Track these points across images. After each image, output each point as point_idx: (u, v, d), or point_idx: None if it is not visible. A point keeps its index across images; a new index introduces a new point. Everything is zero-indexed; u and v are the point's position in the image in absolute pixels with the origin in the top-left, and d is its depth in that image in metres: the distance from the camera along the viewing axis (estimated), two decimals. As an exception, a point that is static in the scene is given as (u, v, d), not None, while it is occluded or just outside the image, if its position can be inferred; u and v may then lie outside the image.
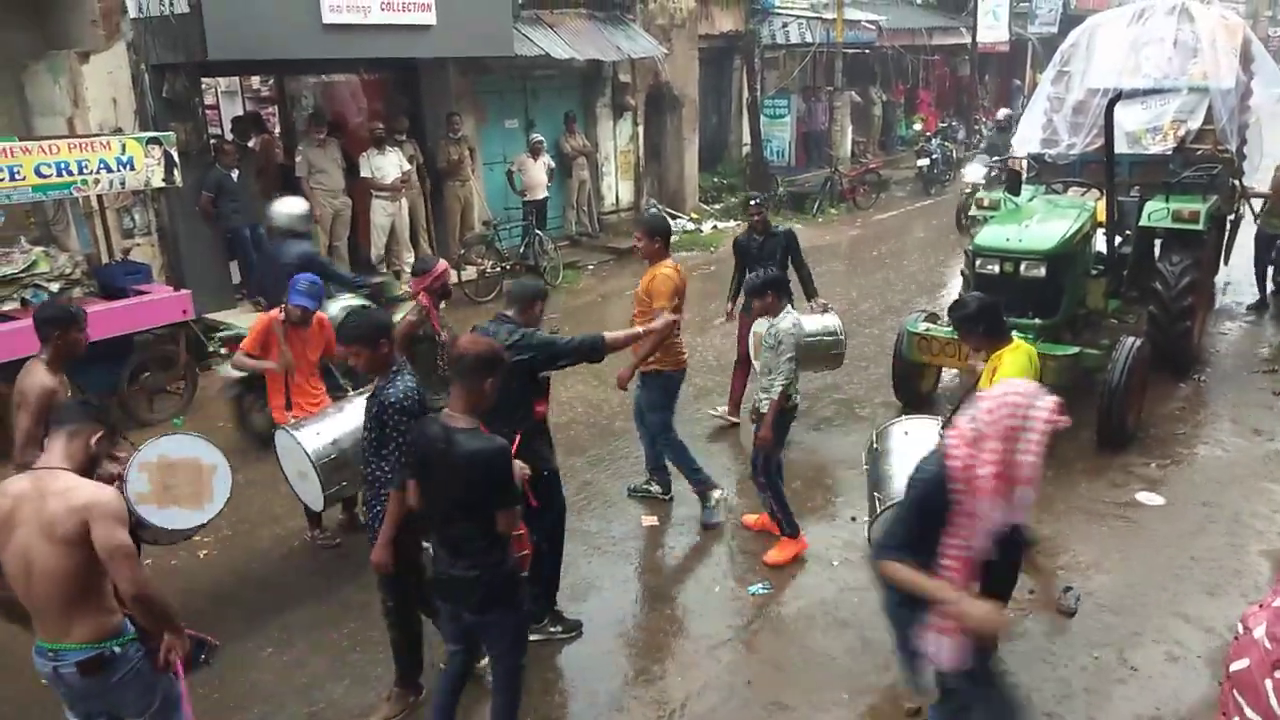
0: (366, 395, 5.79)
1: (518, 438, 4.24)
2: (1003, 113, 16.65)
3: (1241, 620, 2.48)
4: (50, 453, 3.30)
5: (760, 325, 5.85)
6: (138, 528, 4.32)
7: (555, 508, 4.95)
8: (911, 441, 4.82)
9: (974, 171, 14.62)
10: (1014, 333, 4.83)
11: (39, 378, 4.44)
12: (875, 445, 5.05)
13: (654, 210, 15.16)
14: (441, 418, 3.62)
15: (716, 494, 6.17)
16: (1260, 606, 2.43)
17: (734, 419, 7.70)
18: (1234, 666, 2.45)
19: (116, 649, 3.28)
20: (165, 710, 3.46)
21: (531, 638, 4.86)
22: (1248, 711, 2.39)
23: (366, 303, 7.16)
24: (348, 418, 5.49)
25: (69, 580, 3.16)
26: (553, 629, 5.07)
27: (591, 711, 4.55)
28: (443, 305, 5.75)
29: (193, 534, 5.27)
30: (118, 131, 8.59)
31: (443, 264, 5.74)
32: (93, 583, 3.21)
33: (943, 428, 4.88)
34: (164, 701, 3.45)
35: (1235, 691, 2.44)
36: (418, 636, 4.52)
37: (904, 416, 4.93)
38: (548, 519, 4.85)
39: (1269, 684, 2.31)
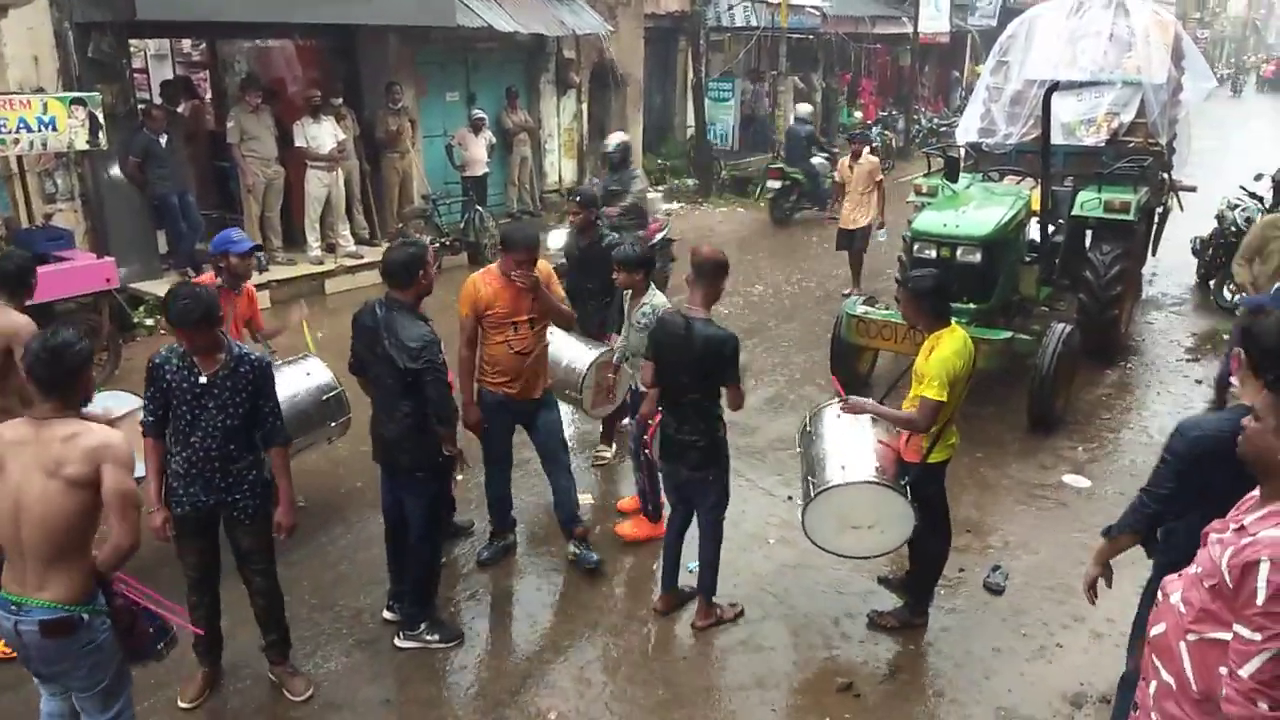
0: (290, 363, 5.68)
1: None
2: (615, 140, 9.21)
3: (1161, 588, 2.56)
4: (41, 404, 3.17)
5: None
6: None
7: (427, 494, 4.58)
8: (843, 424, 4.84)
9: (558, 238, 9.15)
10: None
11: (17, 316, 4.49)
12: (808, 428, 5.04)
13: (591, 187, 15.11)
14: (682, 310, 4.58)
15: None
16: (1178, 575, 2.50)
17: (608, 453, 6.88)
18: (1153, 632, 2.54)
19: (85, 616, 3.16)
20: (111, 691, 3.33)
21: (403, 645, 4.72)
22: (1163, 674, 2.47)
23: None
24: (278, 387, 5.37)
25: (64, 522, 3.07)
26: (429, 637, 4.71)
27: (526, 687, 4.51)
28: None
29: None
30: (39, 91, 8.23)
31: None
32: (83, 534, 3.15)
33: None
34: (111, 682, 3.32)
35: (1154, 655, 2.52)
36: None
37: (836, 399, 4.97)
38: (419, 507, 4.56)
39: (1182, 646, 2.39)
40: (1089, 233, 8.72)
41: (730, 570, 5.44)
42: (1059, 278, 8.56)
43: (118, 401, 5.11)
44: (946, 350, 4.36)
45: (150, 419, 3.97)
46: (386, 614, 4.93)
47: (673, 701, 4.43)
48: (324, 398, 5.59)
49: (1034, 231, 8.11)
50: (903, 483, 4.52)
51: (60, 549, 3.09)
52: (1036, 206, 7.98)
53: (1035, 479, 6.61)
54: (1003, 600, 5.22)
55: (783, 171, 14.66)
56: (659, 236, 9.73)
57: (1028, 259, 8.06)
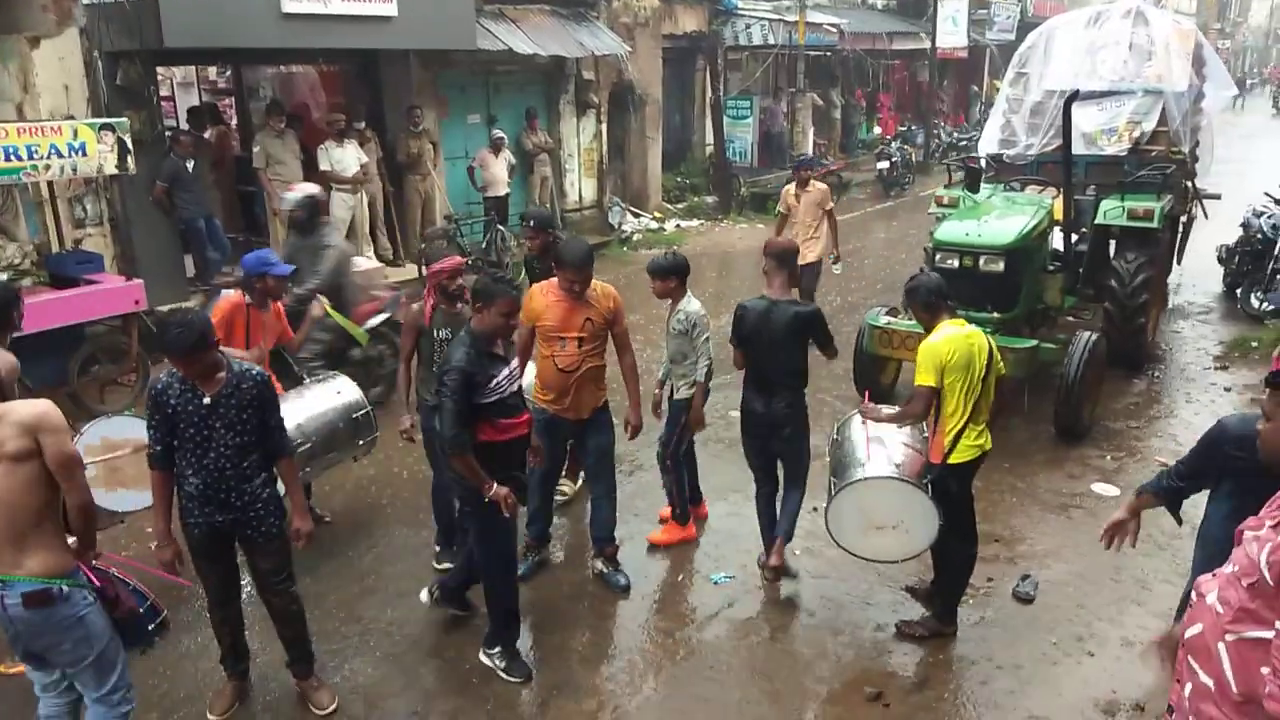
0: (321, 381, 5.74)
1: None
2: (296, 195, 6.80)
3: (1195, 588, 2.52)
4: None
5: None
6: None
7: (496, 539, 4.42)
8: (869, 431, 4.88)
9: None
10: (973, 324, 4.84)
11: (5, 354, 4.31)
12: (836, 436, 5.15)
13: (615, 206, 15.17)
14: (766, 296, 4.99)
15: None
16: (1213, 575, 2.47)
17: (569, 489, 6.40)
18: (1189, 633, 2.50)
19: (65, 587, 3.30)
20: (101, 669, 3.45)
21: (481, 660, 4.69)
22: (1200, 676, 2.42)
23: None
24: (309, 404, 5.44)
25: (20, 499, 3.20)
26: (499, 662, 4.64)
27: (554, 698, 4.51)
28: (459, 306, 5.07)
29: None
30: (69, 118, 8.38)
31: (452, 260, 5.12)
32: (45, 509, 3.27)
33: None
34: (100, 659, 3.43)
35: (1189, 657, 2.48)
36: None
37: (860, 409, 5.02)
38: (491, 549, 4.46)
39: (1221, 647, 2.35)
40: (1113, 242, 8.67)
41: (755, 581, 5.43)
42: (1083, 287, 8.51)
43: (121, 430, 4.95)
44: (932, 338, 4.53)
45: (157, 448, 3.88)
46: (424, 596, 5.01)
47: (700, 713, 4.41)
48: (353, 416, 5.62)
49: (1057, 241, 8.07)
50: (925, 480, 4.53)
51: (25, 526, 3.23)
52: (1059, 216, 7.95)
53: (1064, 488, 6.55)
54: (1032, 609, 5.16)
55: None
56: (376, 320, 7.36)
57: (1051, 268, 8.01)
